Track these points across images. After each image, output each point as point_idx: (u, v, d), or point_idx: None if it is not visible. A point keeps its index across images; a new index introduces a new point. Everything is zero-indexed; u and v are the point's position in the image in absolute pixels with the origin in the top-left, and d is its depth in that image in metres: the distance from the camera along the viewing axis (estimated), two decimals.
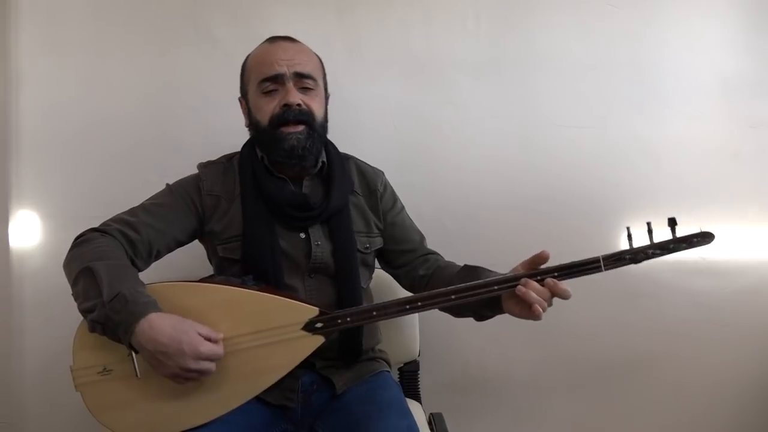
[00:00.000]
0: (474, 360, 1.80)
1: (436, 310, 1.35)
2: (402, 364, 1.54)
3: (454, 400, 1.77)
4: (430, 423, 1.41)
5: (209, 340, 1.03)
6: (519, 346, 1.76)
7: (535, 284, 1.03)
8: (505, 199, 1.78)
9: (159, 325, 1.00)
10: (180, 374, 1.01)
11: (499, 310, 1.12)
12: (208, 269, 1.35)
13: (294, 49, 1.25)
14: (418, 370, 1.57)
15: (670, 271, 1.83)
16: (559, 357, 1.80)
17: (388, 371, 1.37)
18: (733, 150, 1.84)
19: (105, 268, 1.06)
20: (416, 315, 1.55)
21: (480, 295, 1.06)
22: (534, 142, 1.79)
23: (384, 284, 1.45)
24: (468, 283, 1.08)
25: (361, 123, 1.69)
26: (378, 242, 1.34)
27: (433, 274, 1.32)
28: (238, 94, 1.72)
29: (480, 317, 1.19)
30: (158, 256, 1.24)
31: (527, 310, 1.03)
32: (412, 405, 1.41)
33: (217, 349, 1.03)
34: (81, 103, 1.67)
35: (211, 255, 1.30)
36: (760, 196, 1.85)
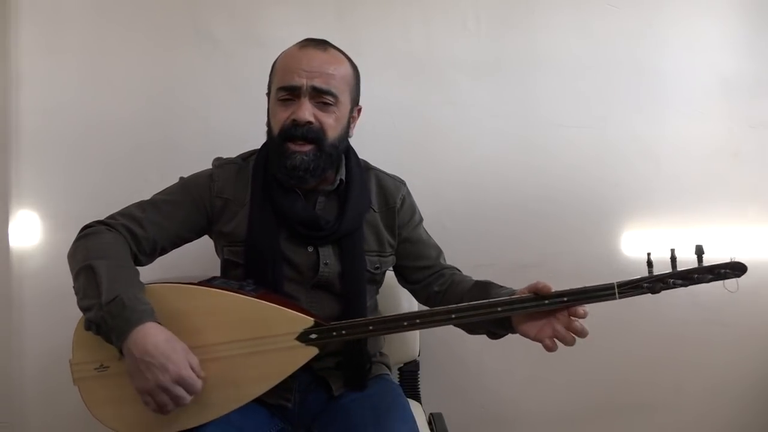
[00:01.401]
0: (474, 360, 1.80)
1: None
2: (402, 364, 1.54)
3: (454, 400, 1.77)
4: (430, 423, 1.41)
5: (193, 371, 1.01)
6: (518, 346, 1.76)
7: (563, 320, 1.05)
8: (504, 198, 1.79)
9: (152, 336, 0.99)
10: (154, 391, 0.99)
11: (511, 330, 1.12)
12: (215, 265, 1.35)
13: (321, 60, 1.17)
14: (418, 370, 1.57)
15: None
16: (558, 357, 1.78)
17: (389, 374, 1.36)
18: (733, 150, 1.84)
19: (106, 268, 1.05)
20: None
21: (481, 315, 1.06)
22: (534, 142, 1.79)
23: (387, 285, 1.43)
24: (469, 303, 1.07)
25: (360, 123, 1.69)
26: (390, 261, 1.32)
27: (447, 290, 1.30)
28: (237, 95, 1.72)
29: (493, 335, 1.17)
30: (163, 252, 1.24)
31: (542, 335, 1.06)
32: (412, 405, 1.41)
33: (197, 382, 1.01)
34: (81, 103, 1.67)
35: (219, 252, 1.30)
36: (759, 196, 1.85)
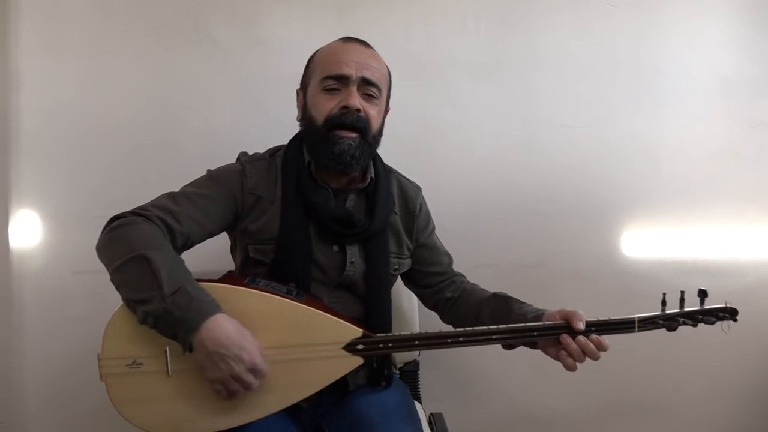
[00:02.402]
0: (474, 360, 1.80)
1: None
2: (402, 364, 1.54)
3: (454, 400, 1.78)
4: (430, 423, 1.41)
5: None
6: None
7: (578, 340, 1.12)
8: (504, 199, 1.79)
9: (225, 327, 0.99)
10: (227, 381, 1.00)
11: (531, 345, 1.17)
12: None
13: (366, 54, 1.22)
14: (418, 370, 1.57)
15: (670, 271, 1.83)
16: None
17: (397, 373, 1.37)
18: (733, 150, 1.85)
19: (161, 258, 1.02)
20: (416, 315, 1.56)
21: (518, 338, 1.14)
22: (534, 142, 1.79)
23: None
24: (508, 326, 1.13)
25: None
26: (407, 264, 1.33)
27: (460, 298, 1.34)
28: (237, 95, 1.71)
29: (509, 347, 1.20)
30: (191, 246, 1.21)
31: (563, 357, 1.12)
32: None
33: (266, 368, 1.02)
34: (81, 103, 1.67)
35: (238, 250, 1.26)
36: (759, 196, 1.86)
